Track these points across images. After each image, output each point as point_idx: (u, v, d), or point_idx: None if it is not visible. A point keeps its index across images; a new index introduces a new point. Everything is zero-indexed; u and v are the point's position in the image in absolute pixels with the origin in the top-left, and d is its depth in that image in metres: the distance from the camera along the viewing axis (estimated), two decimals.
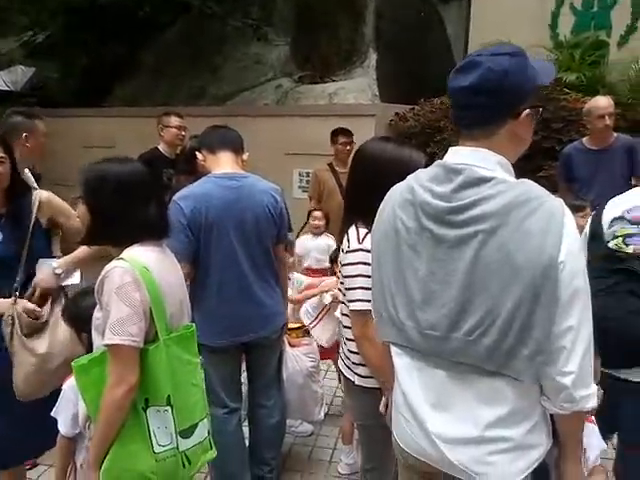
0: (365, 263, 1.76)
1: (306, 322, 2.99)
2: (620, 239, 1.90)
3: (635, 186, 2.18)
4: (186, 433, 1.64)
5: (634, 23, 6.07)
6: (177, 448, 1.61)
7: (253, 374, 2.61)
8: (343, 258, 1.86)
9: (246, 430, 2.68)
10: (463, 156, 1.29)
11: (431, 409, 1.33)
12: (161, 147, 4.26)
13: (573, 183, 3.87)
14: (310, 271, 4.43)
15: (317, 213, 4.37)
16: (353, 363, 1.95)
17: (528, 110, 1.25)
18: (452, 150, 1.33)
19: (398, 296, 1.36)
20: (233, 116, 5.61)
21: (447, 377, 1.30)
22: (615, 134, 3.87)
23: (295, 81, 7.52)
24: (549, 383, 1.23)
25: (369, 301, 1.71)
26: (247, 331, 2.40)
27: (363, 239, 1.80)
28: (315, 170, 5.00)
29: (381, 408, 1.82)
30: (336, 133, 4.76)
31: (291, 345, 2.75)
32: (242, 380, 2.62)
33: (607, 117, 3.71)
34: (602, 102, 3.78)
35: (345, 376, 2.02)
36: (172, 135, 4.23)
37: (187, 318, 1.78)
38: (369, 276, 1.70)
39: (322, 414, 2.90)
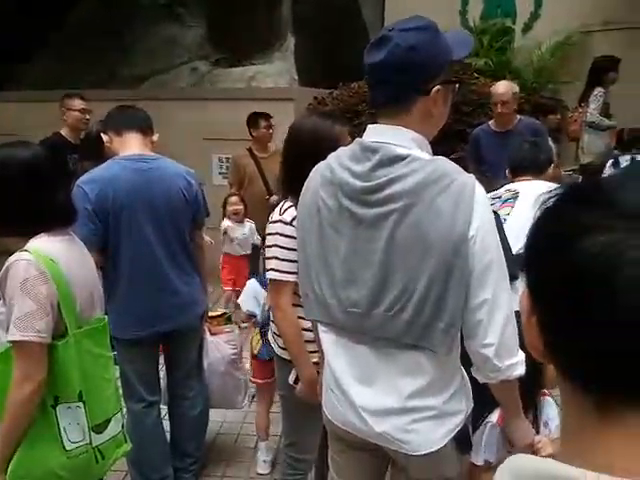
0: (282, 234, 1.81)
1: None
2: None
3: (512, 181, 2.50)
4: (99, 428, 1.60)
5: (537, 10, 6.39)
6: (90, 443, 1.57)
7: (172, 365, 2.54)
8: (266, 228, 1.92)
9: (167, 423, 2.64)
10: (379, 134, 1.30)
11: (356, 383, 1.37)
12: (64, 132, 4.03)
13: (481, 164, 4.06)
14: (228, 257, 4.39)
15: (233, 199, 4.32)
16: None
17: (439, 86, 1.25)
18: (370, 128, 1.34)
19: (322, 275, 1.38)
20: (146, 99, 5.37)
21: (370, 352, 1.34)
22: (518, 117, 4.09)
23: (212, 64, 7.33)
24: (474, 355, 1.29)
25: (283, 272, 1.79)
26: (163, 321, 2.33)
27: (284, 211, 1.84)
28: (234, 156, 4.91)
29: (290, 380, 1.88)
30: (255, 117, 4.68)
31: (212, 333, 2.71)
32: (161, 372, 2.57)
33: (501, 104, 3.88)
34: (499, 89, 3.94)
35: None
36: (75, 119, 4.01)
37: (99, 310, 1.72)
38: (285, 247, 1.78)
39: (246, 401, 2.90)
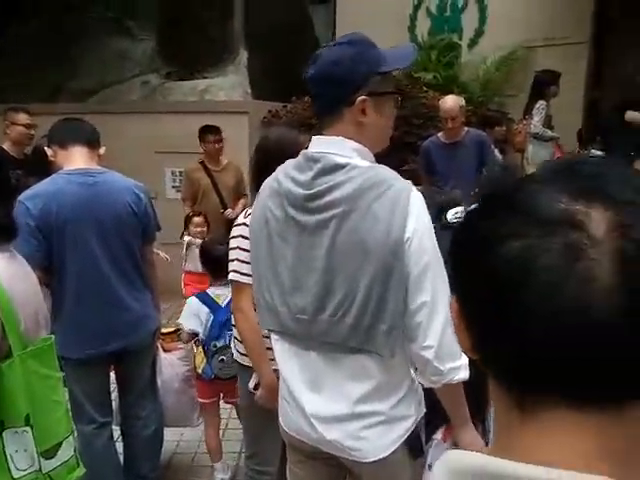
0: (244, 237, 1.85)
1: None
2: None
3: None
4: (49, 453, 1.52)
5: (481, 26, 6.61)
6: (40, 470, 1.49)
7: (124, 384, 2.47)
8: (231, 232, 1.98)
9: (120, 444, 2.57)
10: (322, 145, 1.35)
11: (307, 390, 1.39)
12: (6, 146, 3.90)
13: (432, 174, 4.16)
14: (191, 275, 4.30)
15: (197, 219, 4.26)
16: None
17: (364, 97, 1.29)
18: (314, 139, 1.38)
19: (272, 284, 1.40)
20: (96, 113, 5.27)
21: (319, 358, 1.36)
22: (466, 128, 4.22)
23: (163, 77, 7.25)
24: (415, 358, 1.31)
25: (244, 274, 1.82)
26: (113, 339, 2.26)
27: (248, 215, 1.88)
28: (187, 170, 4.86)
29: (250, 385, 1.88)
30: (204, 131, 4.64)
31: (165, 350, 2.66)
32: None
33: (450, 119, 4.00)
34: (447, 105, 4.06)
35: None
36: (19, 133, 3.88)
37: (45, 329, 1.66)
38: (246, 250, 1.80)
39: (202, 419, 2.84)
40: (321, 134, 1.38)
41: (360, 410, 1.33)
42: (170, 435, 2.97)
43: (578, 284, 0.41)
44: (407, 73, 6.29)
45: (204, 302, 2.59)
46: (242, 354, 1.99)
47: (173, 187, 5.88)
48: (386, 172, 1.31)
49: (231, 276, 1.89)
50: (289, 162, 1.43)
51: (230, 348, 2.39)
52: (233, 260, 1.89)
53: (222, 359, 2.47)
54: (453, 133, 4.12)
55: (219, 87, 6.90)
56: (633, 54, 6.96)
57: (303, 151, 1.39)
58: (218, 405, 2.79)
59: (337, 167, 1.29)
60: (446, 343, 1.26)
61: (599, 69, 6.77)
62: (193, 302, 2.62)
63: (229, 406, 2.90)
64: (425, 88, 5.78)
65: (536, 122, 5.07)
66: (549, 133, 5.15)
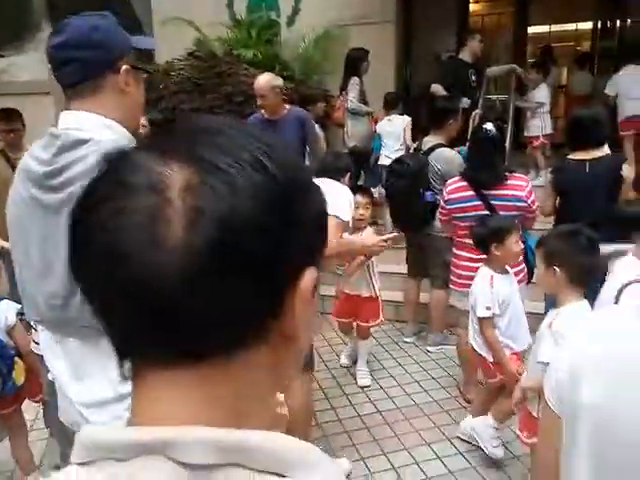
0: None
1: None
2: None
3: None
4: None
5: (297, 5, 6.70)
6: None
7: None
8: None
9: None
10: (68, 121, 1.29)
11: (72, 379, 1.33)
12: None
13: None
14: None
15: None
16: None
17: (127, 66, 1.31)
18: (61, 115, 1.31)
19: (26, 270, 1.31)
20: None
21: (79, 343, 1.30)
22: (288, 106, 4.26)
23: None
24: None
25: None
26: None
27: None
28: None
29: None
30: None
31: None
32: None
33: (260, 97, 4.07)
34: (258, 83, 4.09)
35: None
36: None
37: None
38: None
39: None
40: (69, 108, 1.31)
41: (123, 391, 1.29)
42: None
43: (155, 245, 0.40)
44: (227, 51, 6.18)
45: None
46: (36, 342, 1.86)
47: None
48: None
49: None
50: (37, 142, 1.33)
51: None
52: None
53: None
54: (271, 110, 4.14)
55: (19, 67, 6.21)
56: (439, 32, 7.60)
57: (50, 128, 1.30)
58: (20, 413, 2.53)
59: (78, 143, 1.24)
60: None
61: (408, 46, 7.27)
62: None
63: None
64: (246, 66, 5.72)
65: (352, 98, 5.28)
66: (364, 108, 5.40)
